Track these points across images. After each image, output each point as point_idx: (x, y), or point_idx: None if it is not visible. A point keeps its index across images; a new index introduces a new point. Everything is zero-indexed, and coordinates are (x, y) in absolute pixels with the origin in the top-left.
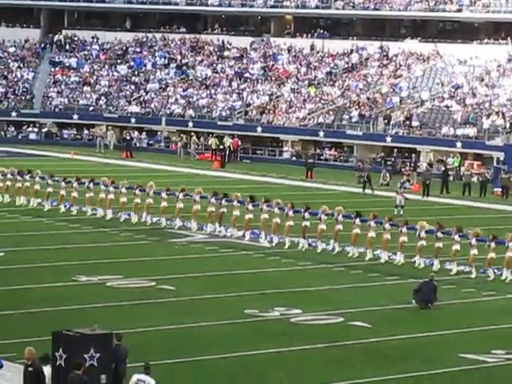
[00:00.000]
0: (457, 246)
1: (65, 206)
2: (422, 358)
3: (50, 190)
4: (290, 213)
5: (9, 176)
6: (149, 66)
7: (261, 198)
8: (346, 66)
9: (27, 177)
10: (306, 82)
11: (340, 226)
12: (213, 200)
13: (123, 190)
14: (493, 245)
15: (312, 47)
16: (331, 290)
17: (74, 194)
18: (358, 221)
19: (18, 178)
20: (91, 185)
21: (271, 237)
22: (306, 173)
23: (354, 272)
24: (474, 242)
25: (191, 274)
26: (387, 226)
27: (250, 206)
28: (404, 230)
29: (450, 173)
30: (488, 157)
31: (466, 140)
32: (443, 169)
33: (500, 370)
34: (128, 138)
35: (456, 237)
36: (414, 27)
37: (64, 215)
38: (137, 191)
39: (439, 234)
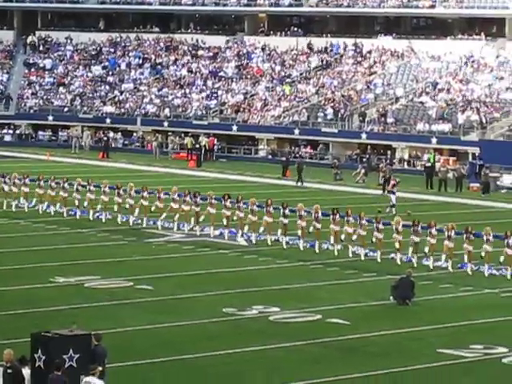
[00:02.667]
0: (433, 240)
1: (42, 208)
2: (400, 354)
3: (26, 190)
4: (271, 209)
5: None
6: (123, 66)
7: (237, 196)
8: (321, 63)
9: (7, 179)
10: (281, 80)
11: (319, 225)
12: (188, 199)
13: (106, 189)
14: (471, 237)
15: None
16: (309, 287)
17: (52, 193)
18: (337, 217)
19: None
20: (66, 185)
21: (249, 235)
22: (283, 171)
23: (331, 269)
24: (452, 234)
25: (169, 273)
26: (364, 222)
27: (228, 203)
28: (380, 226)
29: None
30: (463, 152)
31: (441, 136)
32: (428, 165)
33: (478, 364)
34: (105, 138)
35: (432, 231)
36: (388, 24)
37: (42, 216)
38: (121, 191)
39: (417, 229)
